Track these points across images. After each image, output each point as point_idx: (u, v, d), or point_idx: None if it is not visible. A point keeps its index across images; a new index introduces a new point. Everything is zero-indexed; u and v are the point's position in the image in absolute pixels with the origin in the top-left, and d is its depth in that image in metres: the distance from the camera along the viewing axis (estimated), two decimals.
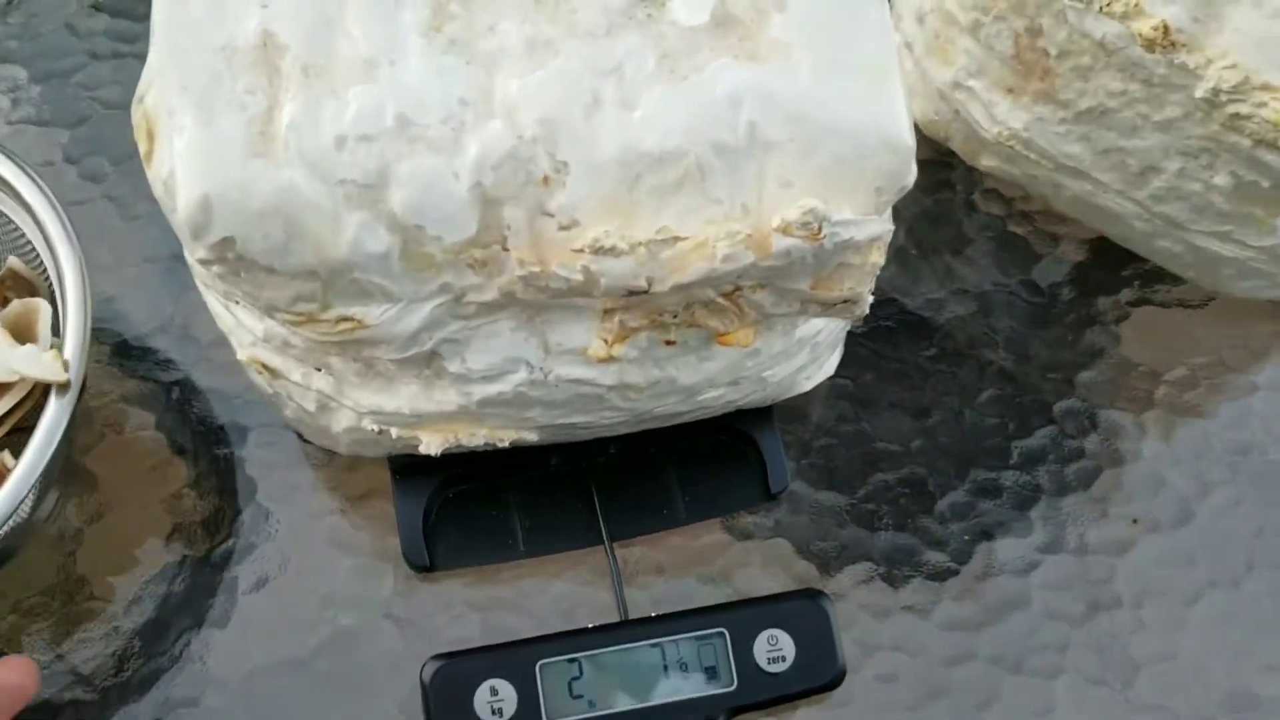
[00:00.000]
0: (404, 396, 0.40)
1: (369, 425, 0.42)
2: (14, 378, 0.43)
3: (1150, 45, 0.44)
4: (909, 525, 0.50)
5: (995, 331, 0.54)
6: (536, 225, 0.34)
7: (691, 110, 0.34)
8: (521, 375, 0.39)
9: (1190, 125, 0.46)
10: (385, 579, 0.48)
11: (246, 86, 0.33)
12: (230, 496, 0.50)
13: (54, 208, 0.45)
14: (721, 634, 0.45)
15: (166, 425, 0.51)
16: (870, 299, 0.38)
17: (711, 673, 0.45)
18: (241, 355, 0.43)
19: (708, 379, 0.41)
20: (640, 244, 0.34)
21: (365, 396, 0.40)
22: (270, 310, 0.36)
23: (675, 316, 0.37)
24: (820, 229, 0.34)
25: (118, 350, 0.53)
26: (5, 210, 0.47)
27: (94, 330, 0.52)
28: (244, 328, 0.41)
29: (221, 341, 0.51)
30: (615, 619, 0.47)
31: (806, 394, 0.51)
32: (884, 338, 0.54)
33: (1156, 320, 0.55)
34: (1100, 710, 0.47)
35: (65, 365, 0.43)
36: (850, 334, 0.52)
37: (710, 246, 0.34)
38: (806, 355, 0.44)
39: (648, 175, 0.34)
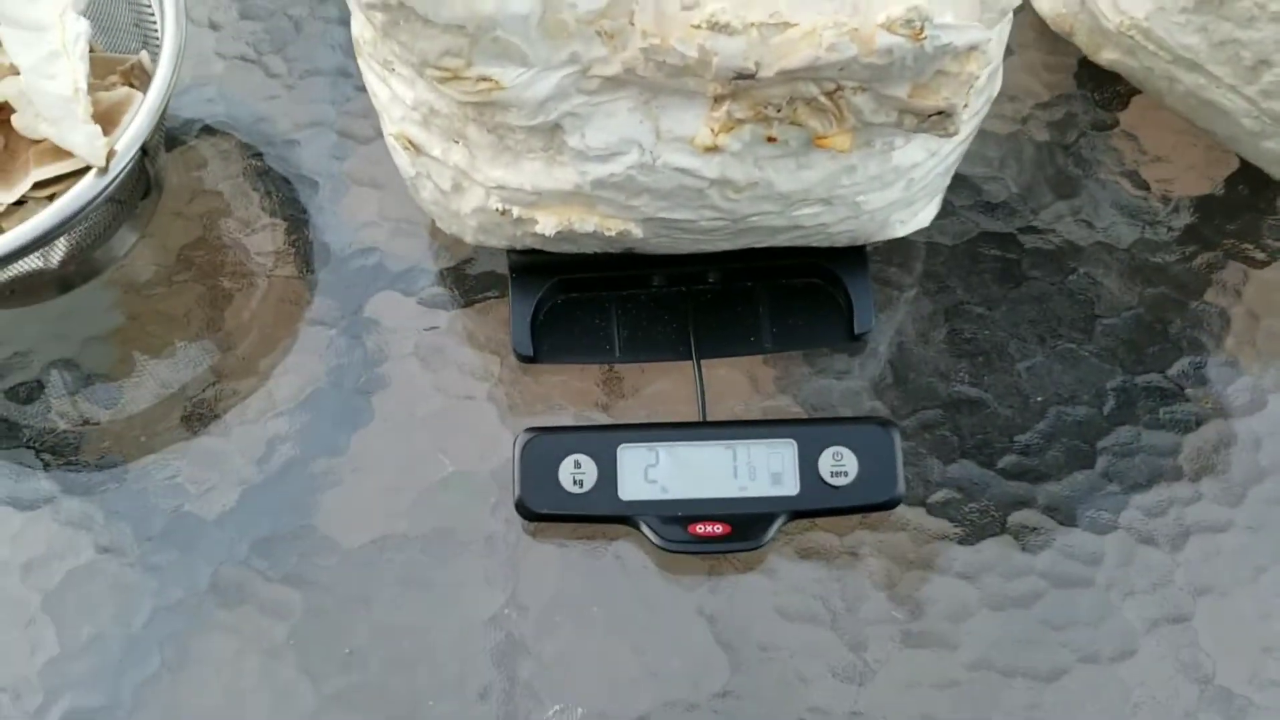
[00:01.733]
0: (528, 173, 0.44)
1: (495, 204, 0.46)
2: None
3: None
4: (983, 381, 0.52)
5: (1096, 220, 0.56)
6: (661, 3, 0.38)
7: None
8: (633, 157, 0.43)
9: None
10: (493, 366, 0.53)
11: None
12: (365, 280, 0.55)
13: (179, 13, 0.50)
14: (790, 444, 0.49)
15: (313, 215, 0.57)
16: (965, 118, 0.41)
17: (777, 478, 0.48)
18: (391, 130, 0.48)
19: (803, 189, 0.44)
20: (753, 25, 0.38)
21: (495, 171, 0.45)
22: (421, 66, 0.41)
23: (779, 111, 0.41)
24: (922, 28, 0.37)
25: (277, 145, 0.58)
26: (152, 3, 0.52)
27: (254, 128, 0.59)
28: (396, 100, 0.46)
29: (369, 141, 0.57)
30: (695, 420, 0.51)
31: (900, 247, 0.54)
32: (985, 211, 0.56)
33: (1257, 225, 0.56)
34: (1147, 568, 0.49)
35: (110, 154, 0.46)
36: (949, 202, 0.55)
37: (817, 35, 0.38)
38: (901, 190, 0.47)
39: None
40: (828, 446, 0.49)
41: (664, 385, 0.53)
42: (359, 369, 0.54)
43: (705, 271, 0.53)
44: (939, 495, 0.50)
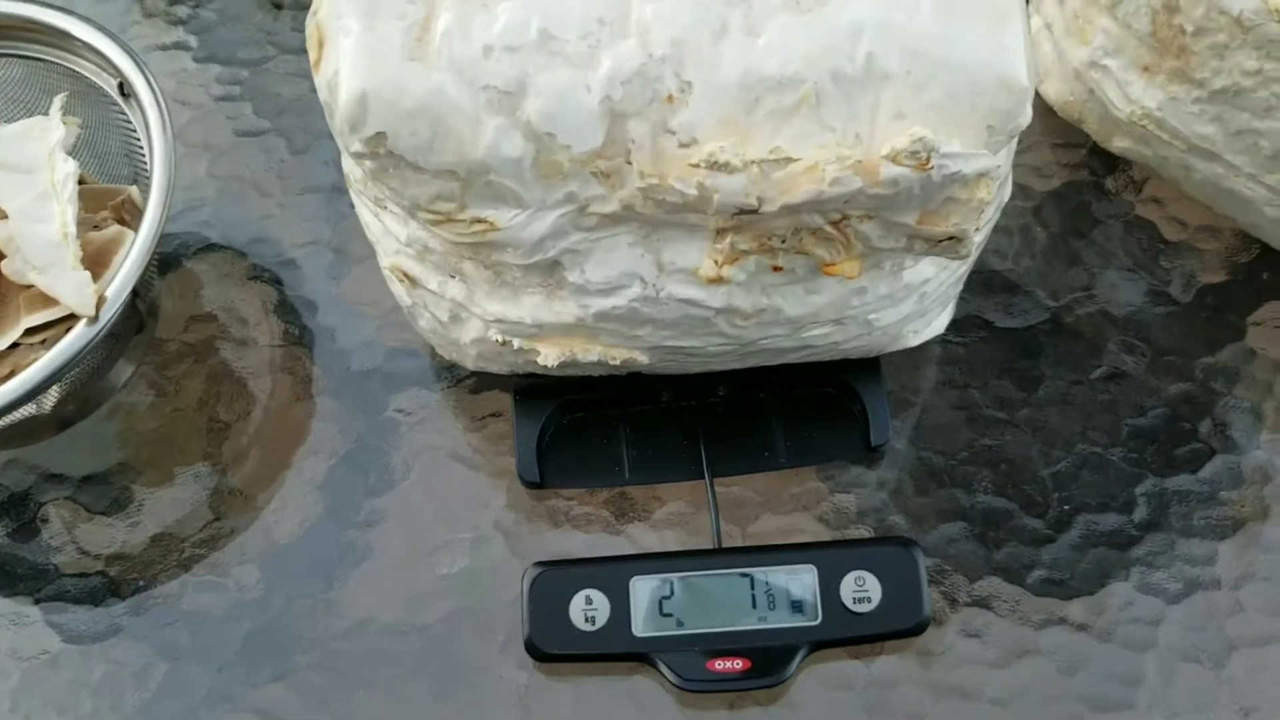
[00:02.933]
0: (527, 306, 0.43)
1: (495, 335, 0.45)
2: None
3: None
4: (1008, 490, 0.50)
5: (1116, 312, 0.54)
6: (658, 141, 0.37)
7: (813, 39, 0.36)
8: (635, 290, 0.41)
9: None
10: (498, 493, 0.52)
11: None
12: (365, 405, 0.54)
13: (167, 154, 0.48)
14: (810, 570, 0.47)
15: (311, 337, 0.55)
16: (976, 240, 0.39)
17: (797, 606, 0.46)
18: (385, 263, 0.46)
19: (813, 313, 0.43)
20: (753, 162, 0.36)
21: (493, 305, 0.44)
22: (413, 209, 0.40)
23: (784, 242, 0.39)
24: (928, 159, 0.36)
25: (272, 267, 0.57)
26: (142, 141, 0.51)
27: (249, 248, 0.58)
28: (390, 235, 0.44)
29: (366, 259, 0.56)
30: (709, 547, 0.49)
31: (915, 353, 0.53)
32: (1000, 308, 0.54)
33: None
34: (1190, 687, 0.46)
35: (100, 301, 0.45)
36: (964, 300, 0.53)
37: (820, 169, 0.36)
38: (913, 304, 0.45)
39: (766, 99, 0.36)
40: (849, 571, 0.47)
41: (676, 505, 0.51)
42: (359, 499, 0.52)
43: (715, 386, 0.52)
44: (967, 615, 0.48)
